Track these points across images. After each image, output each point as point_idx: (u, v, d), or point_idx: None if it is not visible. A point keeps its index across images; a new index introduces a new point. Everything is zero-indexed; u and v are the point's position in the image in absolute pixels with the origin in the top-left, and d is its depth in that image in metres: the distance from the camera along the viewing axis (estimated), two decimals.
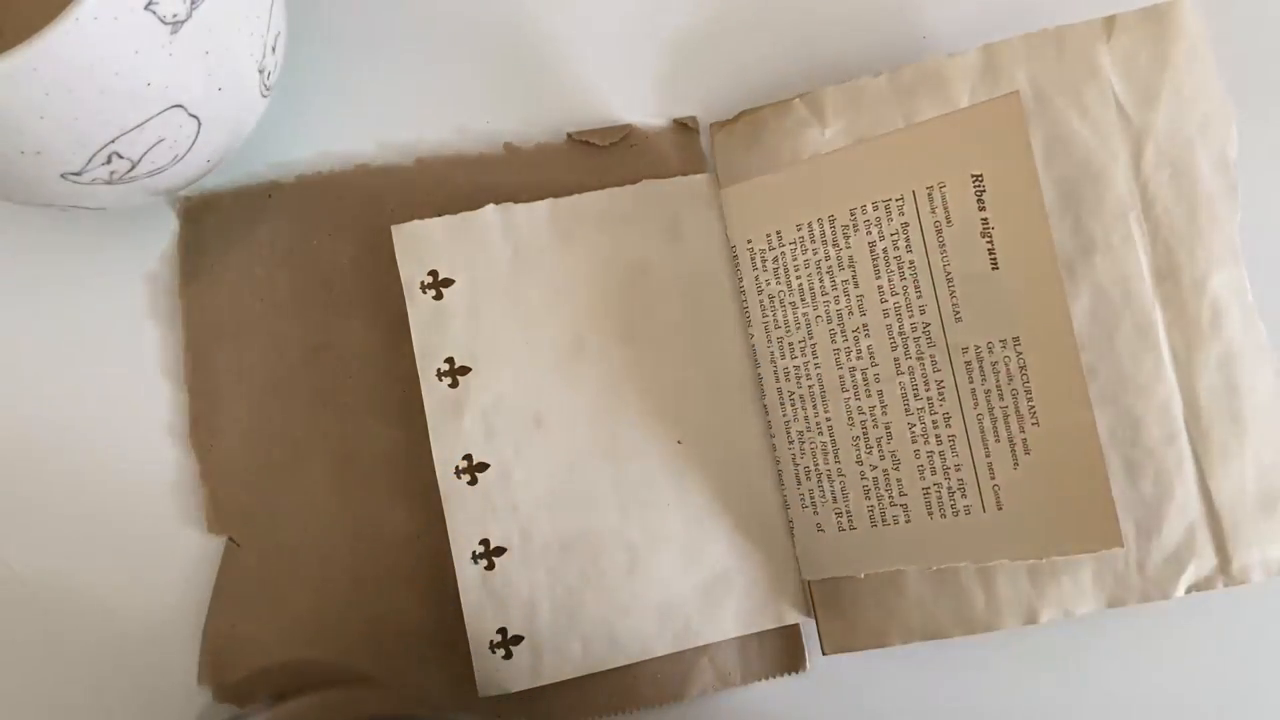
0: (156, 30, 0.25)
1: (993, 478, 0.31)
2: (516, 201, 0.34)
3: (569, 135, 0.35)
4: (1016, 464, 0.31)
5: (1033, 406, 0.31)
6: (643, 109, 0.36)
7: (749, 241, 0.34)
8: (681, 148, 0.35)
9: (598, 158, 0.35)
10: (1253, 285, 0.32)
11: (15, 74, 0.24)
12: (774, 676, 0.34)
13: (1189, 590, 0.32)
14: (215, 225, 0.35)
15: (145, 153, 0.28)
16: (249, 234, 0.35)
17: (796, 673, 0.34)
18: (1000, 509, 0.30)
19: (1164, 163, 0.32)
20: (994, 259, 0.31)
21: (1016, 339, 0.31)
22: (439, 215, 0.34)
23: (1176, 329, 0.32)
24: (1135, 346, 0.32)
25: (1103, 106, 0.32)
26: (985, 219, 0.31)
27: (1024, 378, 0.31)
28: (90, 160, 0.27)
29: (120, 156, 0.27)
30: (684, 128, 0.35)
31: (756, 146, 0.34)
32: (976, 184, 0.31)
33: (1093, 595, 0.32)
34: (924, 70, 0.33)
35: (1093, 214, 0.32)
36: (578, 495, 0.33)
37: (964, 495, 0.31)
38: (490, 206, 0.34)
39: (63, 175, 0.27)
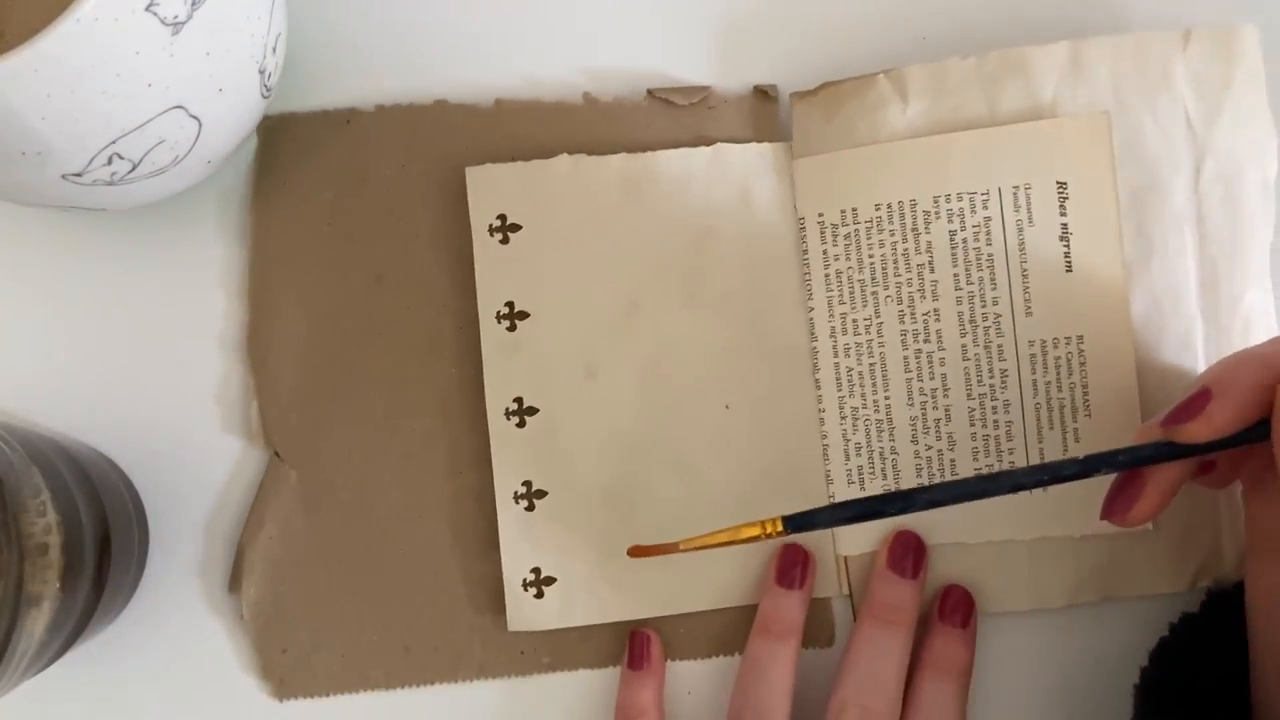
0: (157, 31, 0.25)
1: (1042, 463, 0.32)
2: (590, 154, 0.34)
3: (649, 91, 0.35)
4: (1066, 451, 0.32)
5: (1087, 400, 0.32)
6: (724, 72, 0.36)
7: (820, 215, 0.34)
8: (759, 114, 0.35)
9: (675, 116, 0.35)
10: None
11: (16, 75, 0.24)
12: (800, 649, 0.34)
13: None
14: (292, 145, 0.35)
15: (146, 154, 0.28)
16: (324, 157, 0.35)
17: (823, 647, 0.34)
18: (1045, 491, 0.31)
19: (1219, 179, 0.32)
20: (1069, 262, 0.32)
21: (1080, 337, 0.32)
22: (513, 160, 0.34)
23: (1212, 340, 0.33)
24: (1178, 353, 0.33)
25: (1173, 117, 0.32)
26: (1065, 224, 0.32)
27: (1083, 373, 0.32)
28: (91, 161, 0.27)
29: (121, 157, 0.27)
30: (764, 95, 0.35)
31: (835, 119, 0.34)
32: (1061, 190, 0.32)
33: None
34: (1011, 58, 0.33)
35: (1155, 220, 0.33)
36: (622, 448, 0.34)
37: None
38: (564, 156, 0.34)
39: (64, 176, 0.27)
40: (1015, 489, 0.27)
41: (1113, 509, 0.29)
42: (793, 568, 0.33)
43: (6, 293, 0.35)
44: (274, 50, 0.30)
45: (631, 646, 0.34)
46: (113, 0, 0.24)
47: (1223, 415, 0.26)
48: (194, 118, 0.28)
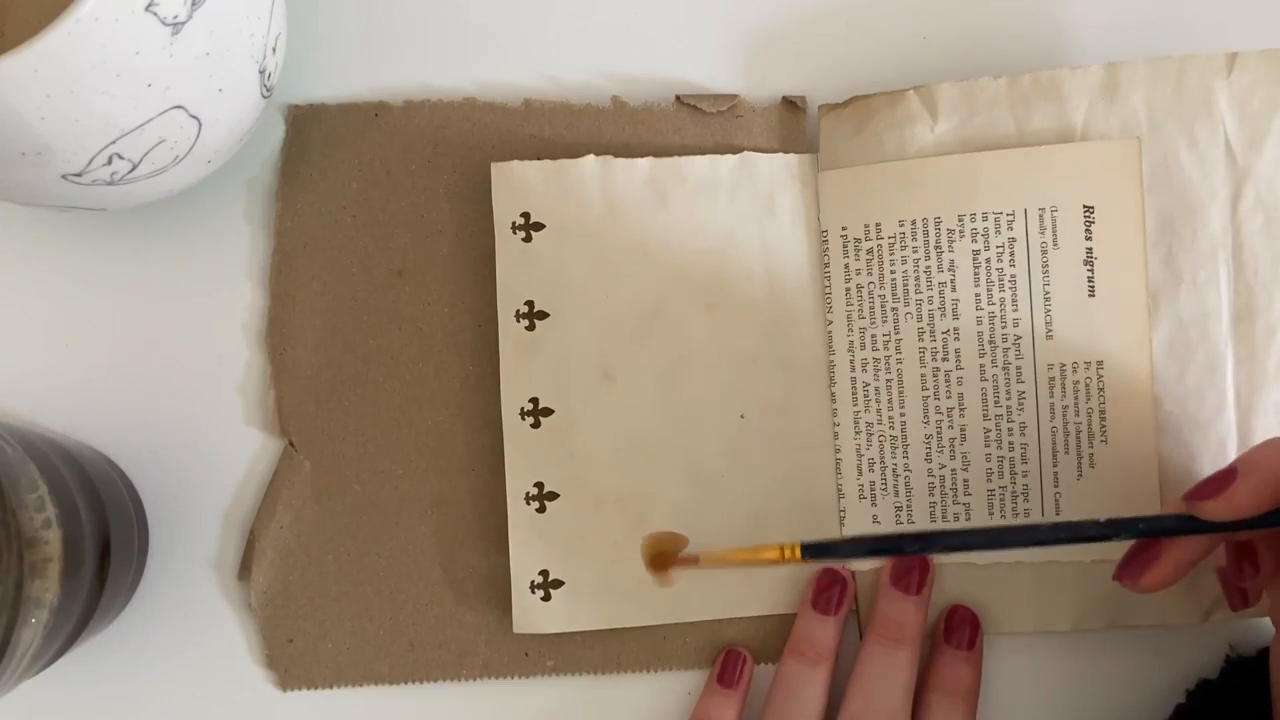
0: (157, 31, 0.25)
1: (1056, 486, 0.32)
2: (617, 156, 0.34)
3: (678, 98, 0.35)
4: (1080, 475, 0.32)
5: (1104, 426, 0.32)
6: (753, 82, 0.35)
7: (843, 229, 0.34)
8: (787, 125, 0.35)
9: (703, 124, 0.35)
10: None
11: (16, 75, 0.24)
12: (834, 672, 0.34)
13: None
14: (320, 136, 0.35)
15: (146, 154, 0.28)
16: (351, 150, 0.35)
17: None
18: (1058, 514, 0.32)
19: (1259, 208, 0.32)
20: (1092, 287, 0.32)
21: (1100, 363, 0.32)
22: (539, 159, 0.34)
23: (1244, 370, 0.32)
24: (1203, 383, 0.32)
25: (1211, 142, 0.32)
26: (1090, 249, 0.32)
27: (1100, 399, 0.32)
28: (91, 161, 0.27)
29: (121, 158, 0.27)
30: (792, 106, 0.35)
31: (862, 134, 0.34)
32: (1087, 214, 0.32)
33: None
34: (1043, 80, 0.33)
35: (1185, 248, 0.32)
36: (636, 453, 0.34)
37: (1026, 500, 0.32)
38: (590, 157, 0.34)
39: (64, 176, 0.27)
40: (1035, 544, 0.28)
41: (1126, 572, 0.29)
42: (830, 589, 0.33)
43: (7, 293, 0.35)
44: (274, 50, 0.30)
45: (725, 663, 0.34)
46: (113, 0, 0.24)
47: (1245, 496, 0.26)
48: (194, 118, 0.28)
